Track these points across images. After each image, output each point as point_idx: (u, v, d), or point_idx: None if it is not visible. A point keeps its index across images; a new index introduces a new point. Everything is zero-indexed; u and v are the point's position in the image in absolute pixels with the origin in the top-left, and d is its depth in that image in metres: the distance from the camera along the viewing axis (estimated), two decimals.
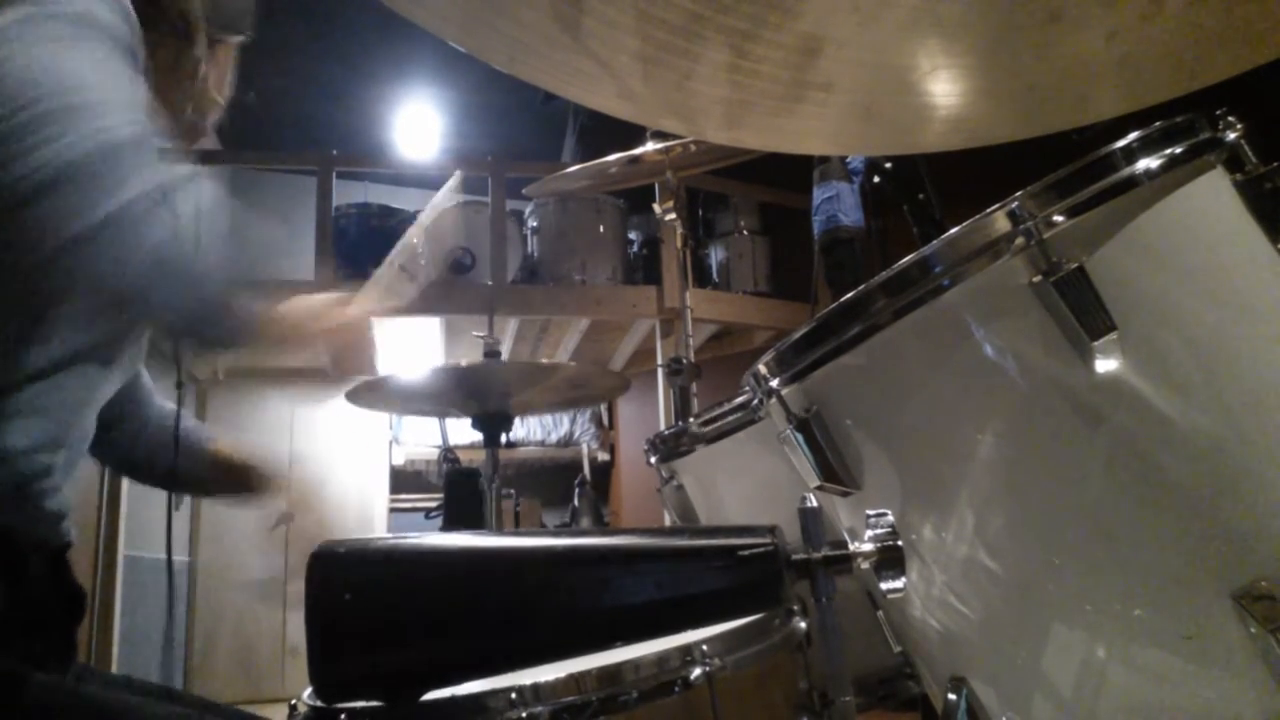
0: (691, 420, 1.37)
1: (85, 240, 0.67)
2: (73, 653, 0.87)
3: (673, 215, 2.24)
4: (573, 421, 5.99)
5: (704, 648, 0.70)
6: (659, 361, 3.79)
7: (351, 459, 5.16)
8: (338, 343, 0.94)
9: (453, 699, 0.66)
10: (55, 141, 0.67)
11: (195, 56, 0.94)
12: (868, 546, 0.65)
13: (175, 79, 0.93)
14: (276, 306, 0.88)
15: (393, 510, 5.37)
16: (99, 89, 0.72)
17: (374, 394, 2.06)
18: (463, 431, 3.38)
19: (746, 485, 1.34)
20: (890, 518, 0.66)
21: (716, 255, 4.35)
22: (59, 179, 0.67)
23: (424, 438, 5.65)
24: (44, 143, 0.67)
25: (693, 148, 2.24)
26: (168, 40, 0.91)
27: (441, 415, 2.68)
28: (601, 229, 3.97)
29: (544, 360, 4.63)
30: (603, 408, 5.97)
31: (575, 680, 0.67)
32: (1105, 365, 0.71)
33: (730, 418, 1.27)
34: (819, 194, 2.37)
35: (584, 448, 5.77)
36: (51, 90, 0.69)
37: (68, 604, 0.86)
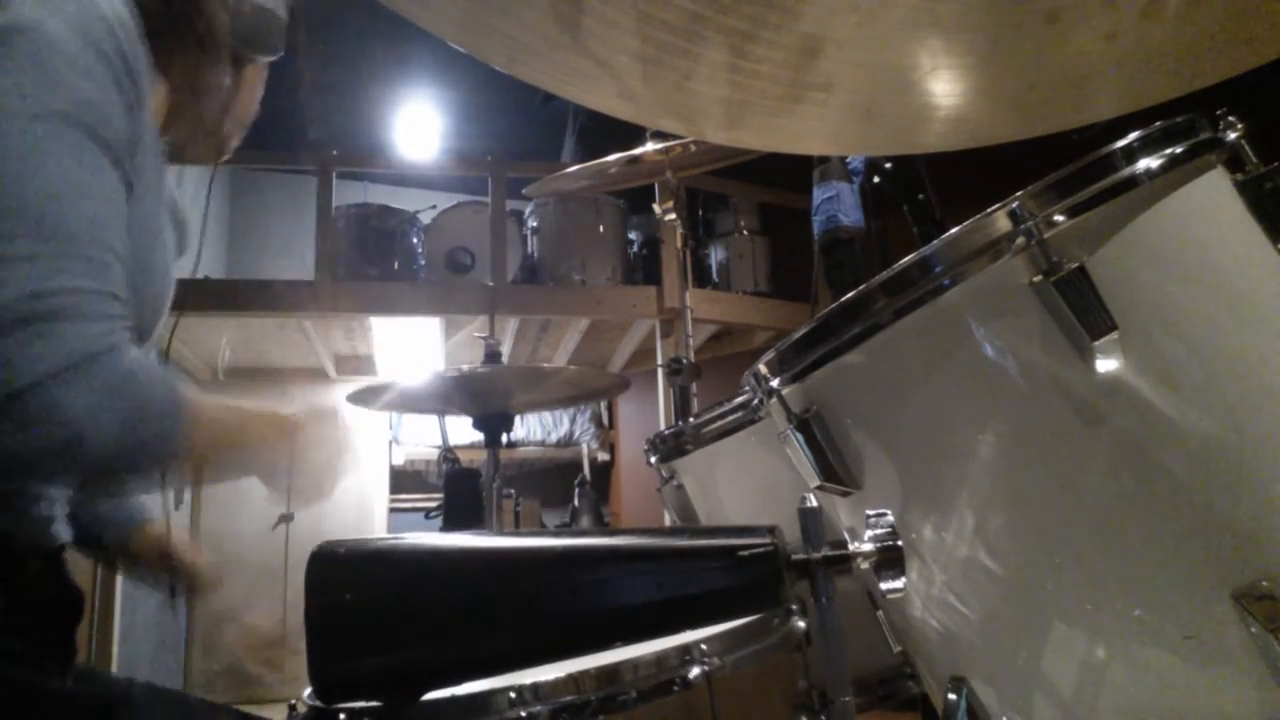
0: (691, 420, 1.37)
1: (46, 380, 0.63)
2: (72, 654, 0.87)
3: (673, 215, 2.24)
4: (573, 421, 5.99)
5: (703, 647, 0.70)
6: (659, 361, 3.79)
7: (351, 459, 5.16)
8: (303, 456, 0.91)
9: (453, 699, 0.66)
10: (25, 278, 0.63)
11: (219, 74, 0.92)
12: (868, 546, 0.65)
13: (194, 94, 0.92)
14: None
15: (393, 510, 5.37)
16: (79, 211, 0.68)
17: (374, 395, 2.06)
18: (463, 431, 3.38)
19: (746, 485, 1.33)
20: (890, 518, 0.66)
21: (716, 255, 4.35)
22: (25, 318, 0.63)
23: (424, 438, 5.65)
24: (13, 277, 0.63)
25: (693, 148, 2.24)
26: (189, 50, 0.89)
27: (441, 414, 2.68)
28: (601, 229, 3.98)
29: (545, 364, 4.63)
30: (603, 408, 5.98)
31: (575, 680, 0.67)
32: (1106, 365, 0.71)
33: (730, 418, 1.27)
34: (819, 194, 2.37)
35: (584, 448, 5.77)
36: (29, 214, 0.65)
37: (65, 605, 0.86)
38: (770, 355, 0.90)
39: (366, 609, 0.62)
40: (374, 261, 3.87)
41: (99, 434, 0.67)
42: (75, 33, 0.72)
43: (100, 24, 0.74)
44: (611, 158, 2.31)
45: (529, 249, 4.09)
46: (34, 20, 0.71)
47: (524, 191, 2.78)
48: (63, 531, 0.85)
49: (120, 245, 0.72)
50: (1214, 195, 0.77)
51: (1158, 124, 0.76)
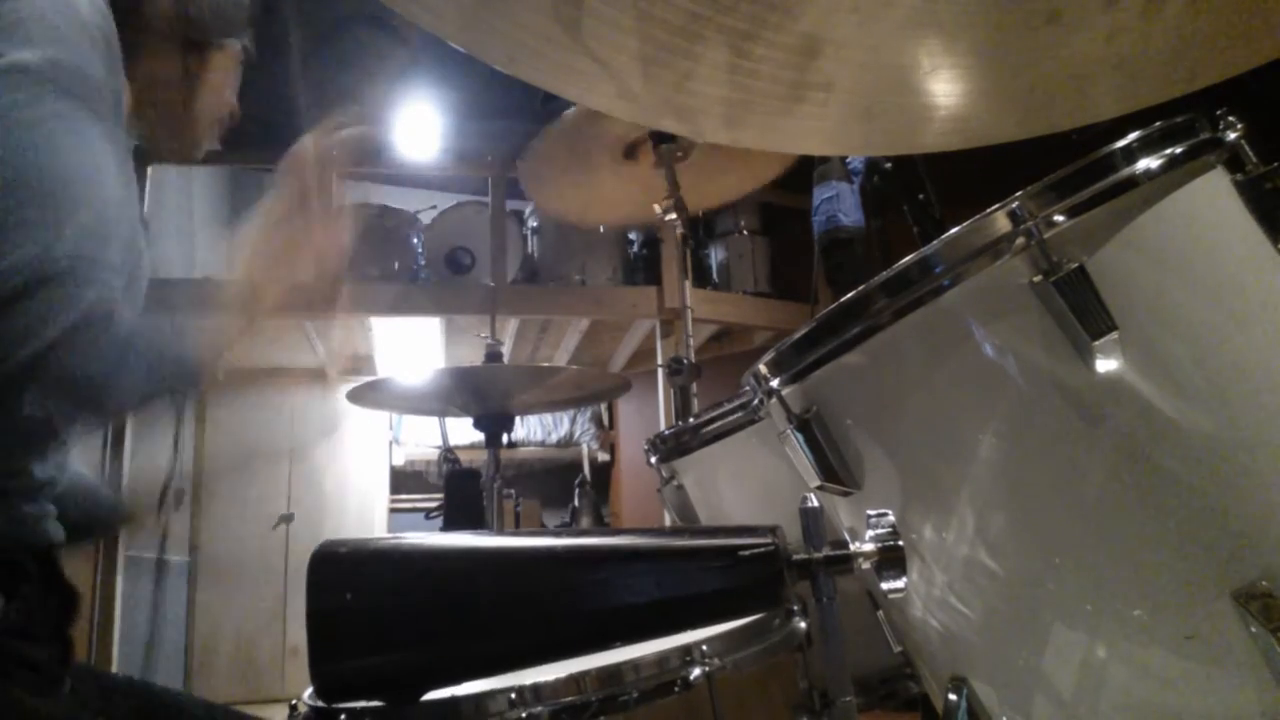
0: (691, 420, 1.37)
1: (59, 343, 0.66)
2: (69, 653, 0.87)
3: (673, 215, 2.24)
4: (573, 421, 5.99)
5: (704, 648, 0.70)
6: (659, 361, 3.79)
7: (351, 459, 5.17)
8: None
9: (453, 699, 0.66)
10: (31, 244, 0.66)
11: (175, 62, 0.91)
12: (868, 546, 0.65)
13: (154, 87, 0.90)
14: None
15: (393, 510, 5.38)
16: (74, 174, 0.70)
17: (375, 394, 2.06)
18: (463, 431, 3.38)
19: (746, 485, 1.33)
20: (891, 518, 0.66)
21: (716, 255, 4.35)
22: (34, 284, 0.65)
23: (424, 438, 5.65)
24: (19, 245, 0.66)
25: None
26: (141, 42, 0.87)
27: (442, 414, 2.68)
28: (601, 229, 3.97)
29: (544, 364, 4.63)
30: (603, 407, 5.98)
31: (575, 680, 0.67)
32: (1106, 365, 0.71)
33: (730, 418, 1.27)
34: (819, 194, 2.37)
35: (584, 448, 5.77)
36: (28, 183, 0.67)
37: (60, 603, 0.86)
38: (770, 355, 0.90)
39: (367, 609, 0.62)
40: (374, 261, 3.87)
41: (120, 388, 0.73)
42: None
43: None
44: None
45: (529, 249, 4.09)
46: None
47: (528, 210, 2.76)
48: (54, 529, 0.85)
49: (116, 214, 0.73)
50: (1214, 195, 0.77)
51: (1158, 124, 0.76)
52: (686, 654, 0.70)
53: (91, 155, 0.73)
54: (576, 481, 4.68)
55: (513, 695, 0.65)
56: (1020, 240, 0.73)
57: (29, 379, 0.68)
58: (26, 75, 0.70)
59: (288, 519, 4.95)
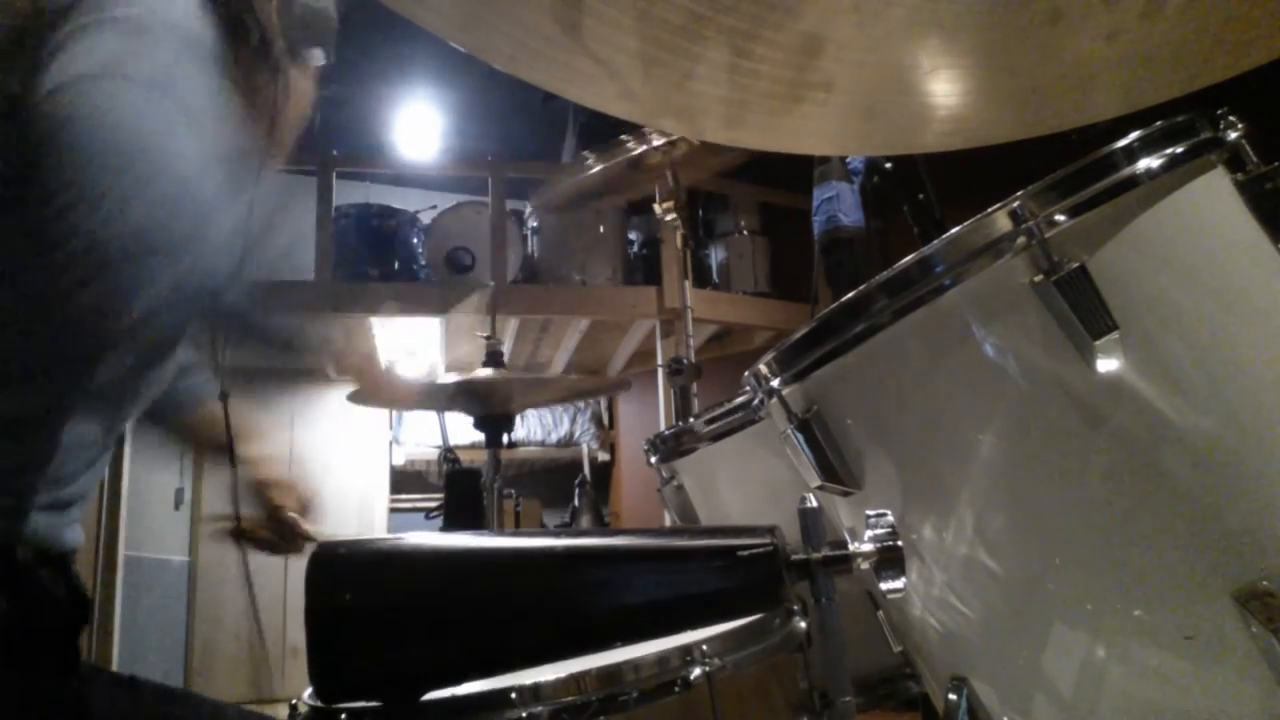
0: (692, 420, 1.37)
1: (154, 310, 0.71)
2: (76, 658, 0.86)
3: (673, 215, 2.24)
4: (573, 421, 5.98)
5: (704, 647, 0.70)
6: (659, 361, 3.79)
7: (351, 459, 5.16)
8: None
9: (453, 699, 0.66)
10: (118, 216, 0.68)
11: (268, 76, 0.91)
12: (867, 547, 0.65)
13: (245, 97, 0.90)
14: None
15: (393, 510, 5.37)
16: (166, 147, 0.71)
17: (374, 394, 2.06)
18: (463, 431, 3.37)
19: (746, 485, 1.33)
20: (890, 518, 0.66)
21: (716, 255, 4.35)
22: (127, 253, 0.68)
23: (424, 438, 5.65)
24: (109, 218, 0.67)
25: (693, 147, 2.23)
26: (241, 53, 0.88)
27: (442, 414, 2.68)
28: (601, 229, 3.97)
29: (544, 366, 4.63)
30: (603, 408, 5.98)
31: (575, 680, 0.67)
32: (1106, 365, 0.71)
33: (730, 418, 1.27)
34: (819, 194, 2.37)
35: (584, 448, 5.77)
36: (119, 161, 0.69)
37: (71, 610, 0.86)
38: (771, 355, 0.90)
39: (367, 609, 0.62)
40: (374, 262, 3.87)
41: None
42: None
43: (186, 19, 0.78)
44: (611, 162, 2.28)
45: (529, 249, 4.09)
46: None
47: (528, 210, 2.75)
48: (71, 536, 0.85)
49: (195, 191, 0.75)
50: (1214, 195, 0.77)
51: (1158, 124, 0.76)
52: (687, 654, 0.70)
53: (193, 105, 0.75)
54: (576, 481, 4.68)
55: (513, 695, 0.65)
56: (1021, 240, 0.73)
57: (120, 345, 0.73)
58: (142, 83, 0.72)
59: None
